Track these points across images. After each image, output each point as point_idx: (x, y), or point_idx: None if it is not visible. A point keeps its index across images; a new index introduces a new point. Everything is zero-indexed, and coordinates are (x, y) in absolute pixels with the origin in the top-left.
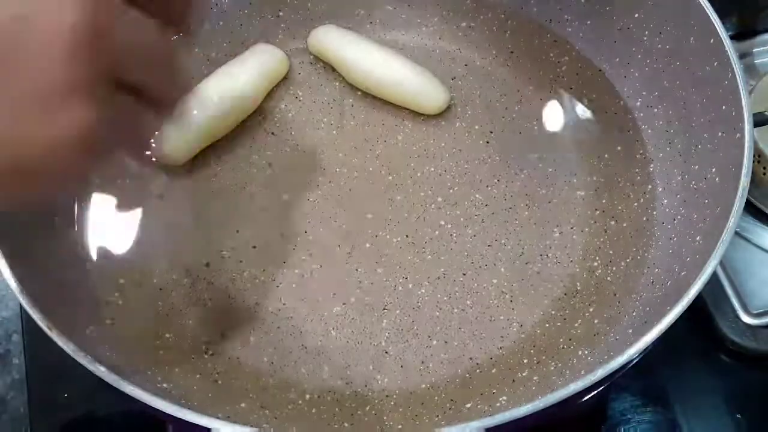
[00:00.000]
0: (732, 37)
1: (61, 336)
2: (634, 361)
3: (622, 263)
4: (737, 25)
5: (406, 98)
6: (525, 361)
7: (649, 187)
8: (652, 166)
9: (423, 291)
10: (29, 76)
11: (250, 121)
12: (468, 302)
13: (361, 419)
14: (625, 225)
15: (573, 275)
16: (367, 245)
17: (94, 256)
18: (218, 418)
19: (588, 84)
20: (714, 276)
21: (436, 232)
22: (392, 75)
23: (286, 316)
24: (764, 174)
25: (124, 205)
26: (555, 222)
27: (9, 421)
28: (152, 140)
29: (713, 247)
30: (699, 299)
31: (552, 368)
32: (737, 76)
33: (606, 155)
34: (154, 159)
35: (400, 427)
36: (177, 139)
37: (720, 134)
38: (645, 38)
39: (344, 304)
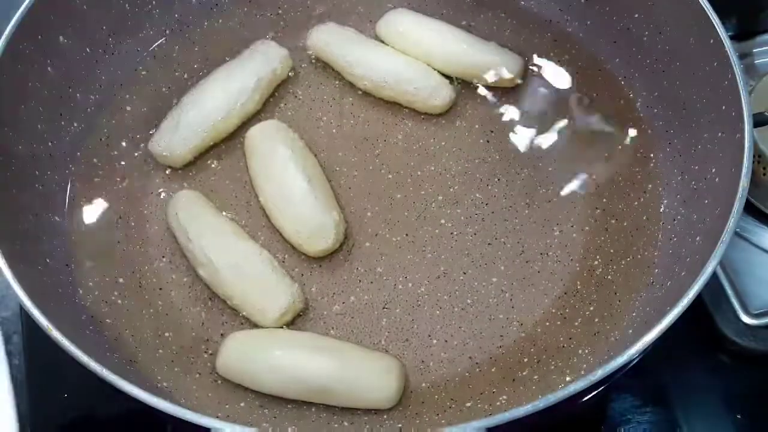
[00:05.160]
0: (732, 37)
1: (61, 336)
2: (634, 361)
3: (623, 262)
4: (737, 25)
5: (410, 97)
6: (525, 360)
7: (649, 186)
8: (652, 165)
9: (423, 290)
10: None
11: (250, 120)
12: (468, 301)
13: (361, 419)
14: (625, 224)
15: (573, 274)
16: (367, 244)
17: (93, 256)
18: (218, 418)
19: (588, 84)
20: (714, 276)
21: (437, 231)
22: (397, 73)
23: None
24: (764, 174)
25: (124, 205)
26: (555, 221)
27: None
28: (152, 141)
29: (713, 247)
30: (699, 299)
31: (552, 367)
32: (737, 76)
33: (606, 155)
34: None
35: (400, 426)
36: (178, 141)
37: (720, 134)
38: (645, 38)
39: (344, 303)
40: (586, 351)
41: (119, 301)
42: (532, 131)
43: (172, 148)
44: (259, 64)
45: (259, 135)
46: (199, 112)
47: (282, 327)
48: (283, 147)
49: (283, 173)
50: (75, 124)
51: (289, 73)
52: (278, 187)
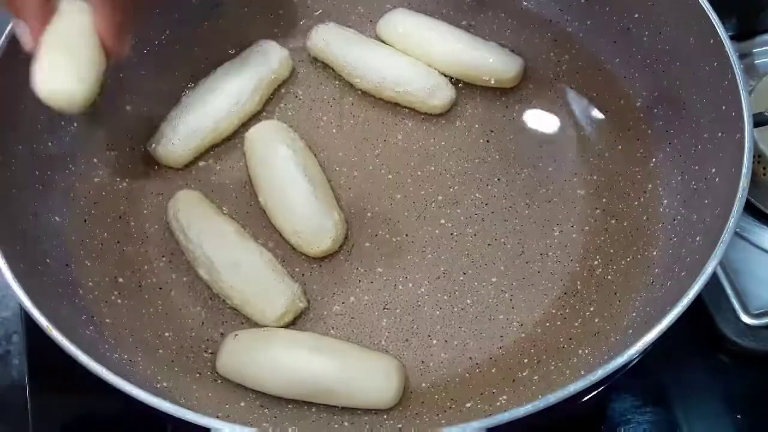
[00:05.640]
0: (732, 37)
1: (61, 336)
2: (634, 361)
3: (623, 262)
4: (737, 25)
5: (410, 97)
6: (525, 360)
7: (649, 186)
8: (652, 165)
9: (423, 290)
10: None
11: (250, 120)
12: (468, 301)
13: (361, 419)
14: (625, 224)
15: (573, 274)
16: (367, 244)
17: (93, 256)
18: (218, 418)
19: (588, 83)
20: (714, 276)
21: (436, 231)
22: (397, 74)
23: None
24: (764, 174)
25: (124, 205)
26: (555, 221)
27: (9, 421)
28: (152, 141)
29: (713, 247)
30: (699, 299)
31: (552, 368)
32: (737, 76)
33: (606, 154)
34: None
35: (400, 426)
36: (178, 141)
37: (720, 134)
38: (645, 38)
39: (344, 303)
40: (586, 351)
41: (119, 301)
42: (532, 131)
43: (172, 148)
44: (259, 64)
45: (259, 135)
46: (199, 112)
47: (282, 327)
48: (283, 147)
49: (283, 173)
50: (75, 124)
51: (288, 73)
52: (278, 187)
